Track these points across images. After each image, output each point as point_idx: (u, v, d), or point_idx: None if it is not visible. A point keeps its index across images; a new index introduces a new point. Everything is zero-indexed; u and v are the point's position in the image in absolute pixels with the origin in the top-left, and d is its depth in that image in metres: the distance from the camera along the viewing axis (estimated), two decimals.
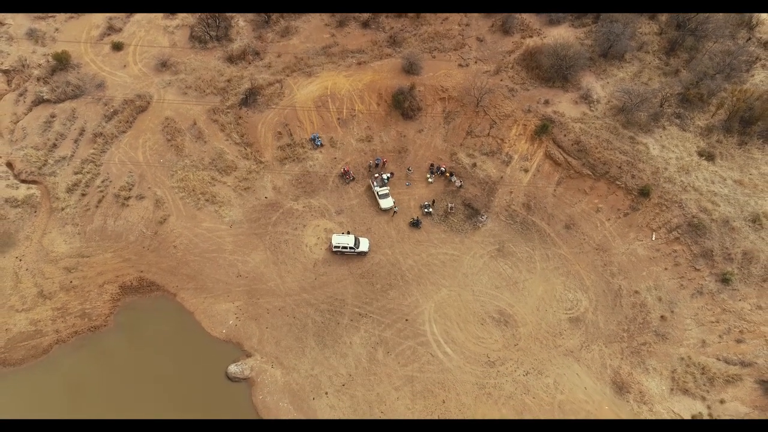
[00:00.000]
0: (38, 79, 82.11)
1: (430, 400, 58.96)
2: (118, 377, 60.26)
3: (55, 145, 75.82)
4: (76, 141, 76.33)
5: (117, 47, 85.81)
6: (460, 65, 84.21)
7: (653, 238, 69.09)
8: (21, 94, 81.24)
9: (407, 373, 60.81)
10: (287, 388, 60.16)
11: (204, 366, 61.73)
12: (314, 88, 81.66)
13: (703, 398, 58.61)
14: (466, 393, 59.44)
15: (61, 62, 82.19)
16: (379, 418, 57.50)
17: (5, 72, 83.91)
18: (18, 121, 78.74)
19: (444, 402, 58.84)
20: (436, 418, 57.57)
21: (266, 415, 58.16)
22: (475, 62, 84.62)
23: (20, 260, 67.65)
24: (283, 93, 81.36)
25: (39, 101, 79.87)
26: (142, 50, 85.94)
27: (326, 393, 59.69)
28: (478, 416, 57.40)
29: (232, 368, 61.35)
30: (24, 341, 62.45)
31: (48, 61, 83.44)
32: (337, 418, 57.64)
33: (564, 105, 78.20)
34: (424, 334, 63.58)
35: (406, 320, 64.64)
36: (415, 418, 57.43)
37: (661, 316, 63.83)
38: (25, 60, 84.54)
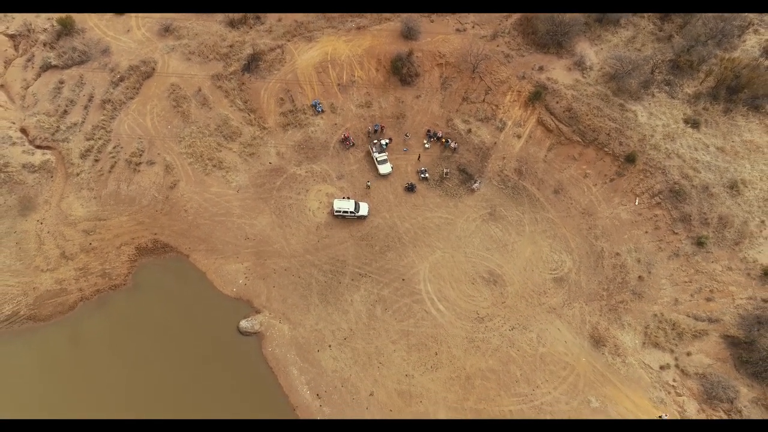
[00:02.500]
0: (44, 45, 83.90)
1: (423, 352, 64.94)
2: (139, 332, 65.99)
3: (66, 112, 78.73)
4: (85, 107, 79.16)
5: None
6: (457, 30, 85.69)
7: (636, 203, 73.23)
8: (29, 60, 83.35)
9: (403, 328, 66.52)
10: (294, 341, 66.09)
11: (217, 321, 67.42)
12: (314, 54, 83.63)
13: (672, 351, 64.51)
14: (457, 346, 65.35)
15: (66, 27, 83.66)
16: (377, 368, 63.64)
17: (11, 37, 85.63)
18: (28, 87, 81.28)
19: (437, 354, 64.85)
20: (430, 368, 63.73)
21: (275, 366, 64.33)
22: (473, 27, 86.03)
23: (41, 223, 72.10)
24: (284, 59, 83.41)
25: (47, 67, 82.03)
26: (145, 14, 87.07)
27: (330, 346, 65.64)
28: (467, 367, 63.46)
29: (243, 323, 67.07)
30: (51, 299, 67.84)
31: (53, 26, 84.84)
32: (340, 368, 63.77)
33: (558, 71, 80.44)
34: (419, 292, 68.91)
35: (403, 280, 69.82)
36: (409, 368, 63.51)
37: (639, 277, 68.92)
38: (30, 24, 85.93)
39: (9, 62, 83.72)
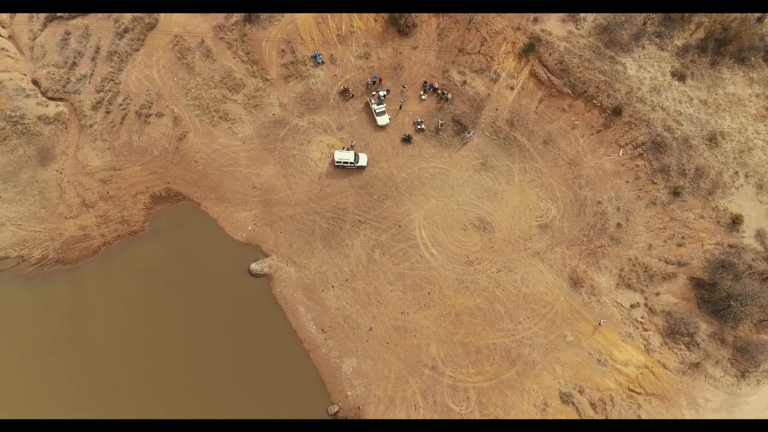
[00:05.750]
0: None
1: (417, 292, 71.76)
2: (158, 274, 72.55)
3: (74, 63, 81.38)
4: (93, 59, 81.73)
5: None
6: None
7: (620, 154, 77.59)
8: None
9: (399, 270, 72.99)
10: (300, 282, 72.80)
11: (229, 264, 73.93)
12: None
13: (642, 291, 71.26)
14: (448, 287, 72.09)
15: None
16: (375, 306, 70.71)
17: None
18: (35, 38, 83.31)
19: (429, 294, 71.69)
20: (423, 306, 70.74)
21: (283, 304, 71.40)
22: None
23: (61, 173, 76.91)
24: None
25: (52, 18, 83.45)
26: None
27: (332, 286, 72.41)
28: (457, 306, 70.48)
29: (254, 266, 73.51)
30: (76, 244, 73.96)
31: None
32: (342, 306, 70.85)
33: (552, 23, 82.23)
34: (414, 238, 74.82)
35: (399, 226, 75.54)
36: (405, 306, 70.51)
37: (618, 224, 74.53)
38: None
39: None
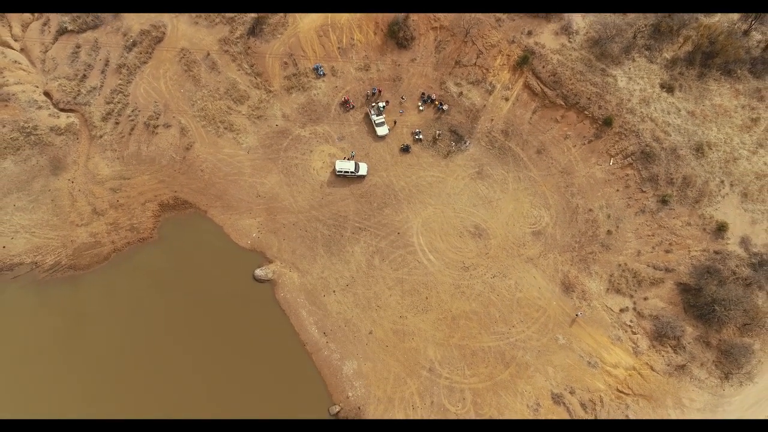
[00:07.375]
0: None
1: (415, 297, 74.74)
2: (166, 279, 75.57)
3: (85, 76, 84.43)
4: (102, 71, 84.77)
5: None
6: None
7: (611, 163, 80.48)
8: (44, 24, 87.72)
9: (398, 275, 75.97)
10: (303, 287, 75.81)
11: (235, 269, 76.97)
12: (315, 17, 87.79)
13: (631, 296, 74.19)
14: (445, 291, 75.06)
15: None
16: (375, 310, 73.71)
17: None
18: (47, 51, 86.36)
19: (427, 298, 74.67)
20: (421, 310, 73.71)
21: (287, 309, 74.41)
22: None
23: (72, 182, 79.92)
24: (286, 22, 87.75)
25: (62, 31, 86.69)
26: None
27: (334, 291, 75.41)
28: (453, 310, 73.45)
29: (258, 271, 76.52)
30: (87, 250, 76.97)
31: None
32: (343, 311, 73.85)
33: (545, 36, 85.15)
34: (412, 244, 77.80)
35: (398, 233, 78.50)
36: (403, 310, 73.50)
37: (608, 231, 77.42)
38: None
39: (26, 25, 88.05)
